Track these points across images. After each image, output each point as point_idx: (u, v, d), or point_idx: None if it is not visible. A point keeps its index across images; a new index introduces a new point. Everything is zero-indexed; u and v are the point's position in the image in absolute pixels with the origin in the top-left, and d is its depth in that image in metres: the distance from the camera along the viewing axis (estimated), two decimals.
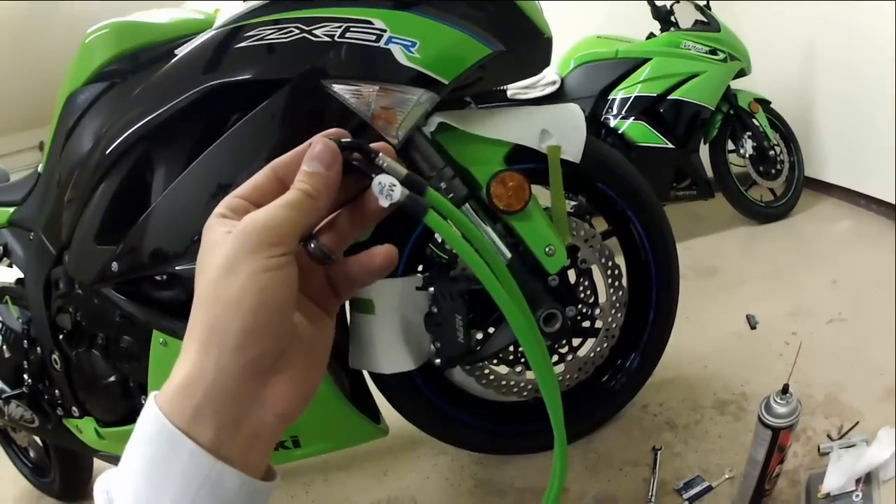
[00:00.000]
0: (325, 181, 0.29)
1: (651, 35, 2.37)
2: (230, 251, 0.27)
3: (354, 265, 0.33)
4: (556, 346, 1.15)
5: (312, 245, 0.31)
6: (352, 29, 0.79)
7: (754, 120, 2.35)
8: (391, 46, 0.79)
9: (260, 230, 0.27)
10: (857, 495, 0.96)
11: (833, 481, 0.99)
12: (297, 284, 0.28)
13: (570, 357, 1.17)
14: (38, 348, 1.10)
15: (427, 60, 0.80)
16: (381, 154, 0.31)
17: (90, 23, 0.96)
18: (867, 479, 0.98)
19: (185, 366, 0.26)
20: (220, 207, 0.29)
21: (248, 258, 0.26)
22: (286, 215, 0.28)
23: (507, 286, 0.34)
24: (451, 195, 0.87)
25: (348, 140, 0.31)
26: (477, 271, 0.32)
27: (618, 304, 1.15)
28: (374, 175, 0.30)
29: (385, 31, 0.79)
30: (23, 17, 2.53)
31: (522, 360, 1.15)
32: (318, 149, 0.30)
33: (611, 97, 2.16)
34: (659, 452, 1.19)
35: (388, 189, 0.30)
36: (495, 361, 1.14)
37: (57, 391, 1.10)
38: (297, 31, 0.79)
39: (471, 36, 0.83)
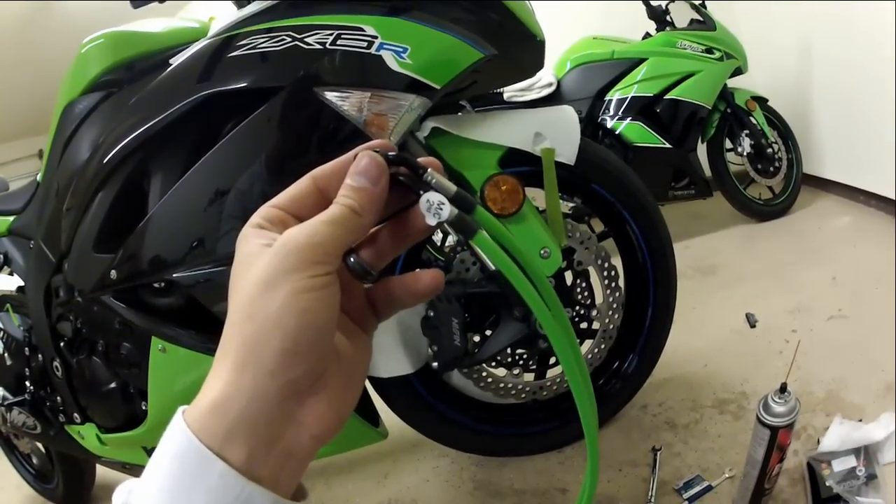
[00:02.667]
0: (371, 197, 0.28)
1: (647, 35, 2.37)
2: (269, 267, 0.25)
3: (398, 285, 0.32)
4: None
5: (352, 259, 0.30)
6: (343, 36, 0.79)
7: (752, 118, 2.35)
8: (383, 53, 0.79)
9: (302, 247, 0.25)
10: (860, 470, 0.98)
11: (829, 443, 1.03)
12: (339, 303, 0.27)
13: None
14: (40, 355, 1.10)
15: (419, 66, 0.80)
16: (429, 170, 0.29)
17: (88, 31, 0.97)
18: (867, 457, 1.00)
19: (218, 384, 0.25)
20: (257, 217, 0.28)
21: (289, 276, 0.25)
22: (330, 232, 0.26)
23: (555, 309, 0.33)
24: None
25: (395, 154, 0.29)
26: (525, 294, 0.31)
27: (615, 306, 1.15)
28: (421, 192, 0.29)
29: (376, 37, 0.79)
30: (21, 24, 2.55)
31: (520, 362, 1.15)
32: (364, 162, 0.28)
33: (607, 98, 2.16)
34: (658, 452, 1.19)
35: (436, 207, 0.28)
36: (493, 364, 1.15)
37: (58, 398, 1.11)
38: (289, 39, 0.79)
39: (462, 40, 0.83)
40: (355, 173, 0.28)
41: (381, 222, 0.31)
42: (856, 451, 1.01)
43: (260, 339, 0.25)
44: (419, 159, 0.30)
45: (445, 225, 0.29)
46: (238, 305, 0.26)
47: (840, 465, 0.99)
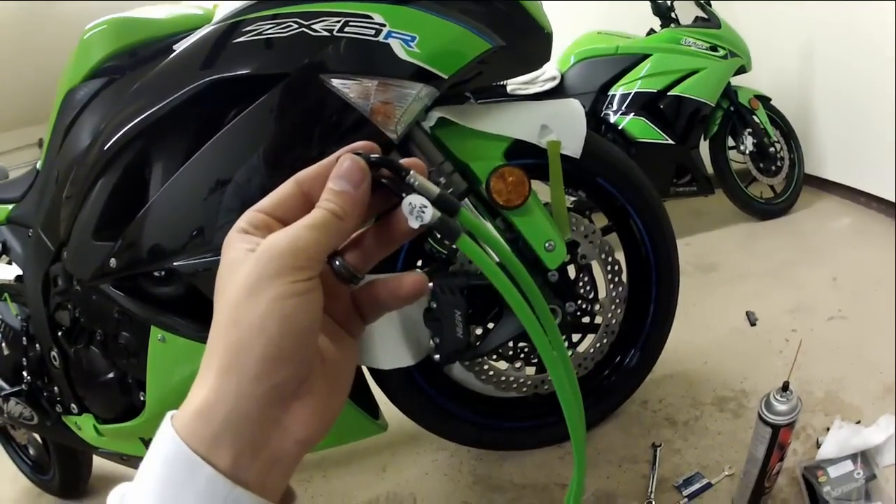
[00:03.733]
0: (353, 200, 0.28)
1: (651, 31, 2.36)
2: (252, 273, 0.25)
3: (383, 289, 0.32)
4: None
5: (337, 263, 0.30)
6: (351, 23, 0.78)
7: (754, 116, 2.34)
8: (390, 41, 0.78)
9: (284, 252, 0.26)
10: (858, 473, 0.98)
11: (828, 450, 1.03)
12: (322, 308, 0.27)
13: (569, 353, 1.17)
14: (37, 345, 1.09)
15: (426, 55, 0.80)
16: (412, 172, 0.29)
17: (89, 19, 0.95)
18: (864, 460, 1.00)
19: (204, 390, 0.26)
20: (241, 222, 0.28)
21: (272, 282, 0.25)
22: (312, 237, 0.27)
23: (542, 313, 0.33)
24: (450, 190, 0.87)
25: (377, 156, 0.29)
26: (509, 298, 0.30)
27: (617, 300, 1.15)
28: (404, 194, 0.29)
29: (384, 25, 0.79)
30: (22, 14, 2.53)
31: (522, 355, 1.15)
32: (345, 166, 0.28)
33: (611, 93, 2.16)
34: (658, 449, 1.19)
35: (418, 210, 0.28)
36: (495, 357, 1.14)
37: (56, 388, 1.10)
38: (296, 26, 0.78)
39: (470, 31, 0.83)
40: (337, 177, 0.28)
41: (366, 224, 0.31)
42: (853, 455, 1.01)
43: (243, 345, 0.25)
44: (402, 161, 0.29)
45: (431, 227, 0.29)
46: (223, 311, 0.26)
47: (837, 471, 0.99)
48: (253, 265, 0.26)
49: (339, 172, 0.28)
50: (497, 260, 0.32)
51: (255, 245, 0.26)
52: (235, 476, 0.25)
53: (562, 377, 0.33)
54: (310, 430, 0.27)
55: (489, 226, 0.94)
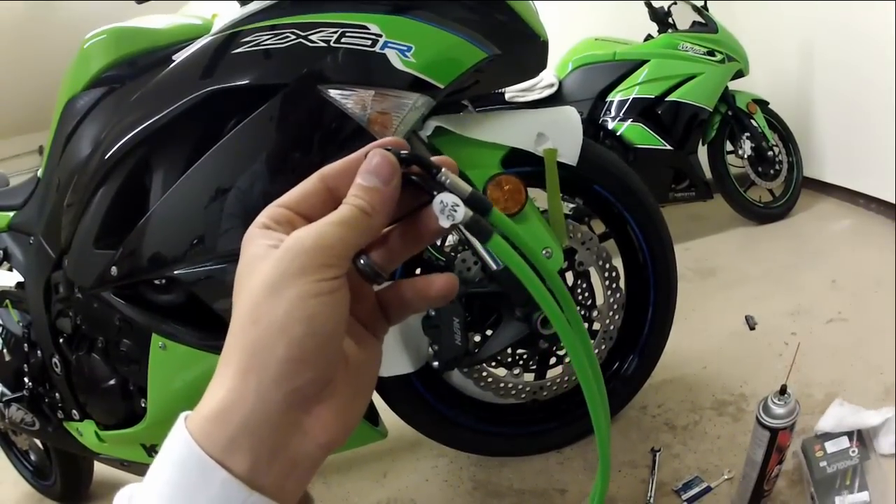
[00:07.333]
0: (382, 197, 0.27)
1: (649, 37, 2.37)
2: (275, 270, 0.24)
3: (410, 289, 0.31)
4: (554, 348, 1.16)
5: (363, 261, 0.28)
6: (347, 34, 0.79)
7: (752, 121, 2.35)
8: (387, 51, 0.79)
9: (309, 249, 0.24)
10: (853, 451, 0.99)
11: (825, 423, 1.05)
12: (348, 309, 0.26)
13: (567, 359, 1.17)
14: (39, 352, 1.10)
15: (423, 65, 0.80)
16: (443, 170, 0.28)
17: (90, 26, 0.96)
18: (861, 440, 1.01)
19: (221, 391, 0.24)
20: (263, 217, 0.27)
21: (296, 280, 0.24)
22: (339, 234, 0.25)
23: (570, 312, 0.32)
24: None
25: (408, 152, 0.28)
26: (539, 298, 0.30)
27: (615, 307, 1.15)
28: (435, 192, 0.28)
29: (381, 35, 0.79)
30: (22, 21, 2.54)
31: (520, 362, 1.15)
32: (375, 161, 0.27)
33: (609, 99, 2.17)
34: (658, 453, 1.19)
35: (450, 209, 0.27)
36: (493, 364, 1.14)
37: (57, 394, 1.10)
38: (294, 37, 0.79)
39: (466, 40, 0.84)
40: (366, 172, 0.27)
41: (393, 223, 0.30)
42: (849, 433, 1.02)
43: (264, 345, 0.24)
44: (433, 158, 0.29)
45: (460, 227, 0.28)
46: (242, 309, 0.25)
47: (833, 447, 1.01)
48: (276, 262, 0.24)
49: (369, 168, 0.27)
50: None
51: (278, 241, 0.25)
52: (252, 481, 0.23)
53: (590, 382, 0.33)
54: (331, 434, 0.26)
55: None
